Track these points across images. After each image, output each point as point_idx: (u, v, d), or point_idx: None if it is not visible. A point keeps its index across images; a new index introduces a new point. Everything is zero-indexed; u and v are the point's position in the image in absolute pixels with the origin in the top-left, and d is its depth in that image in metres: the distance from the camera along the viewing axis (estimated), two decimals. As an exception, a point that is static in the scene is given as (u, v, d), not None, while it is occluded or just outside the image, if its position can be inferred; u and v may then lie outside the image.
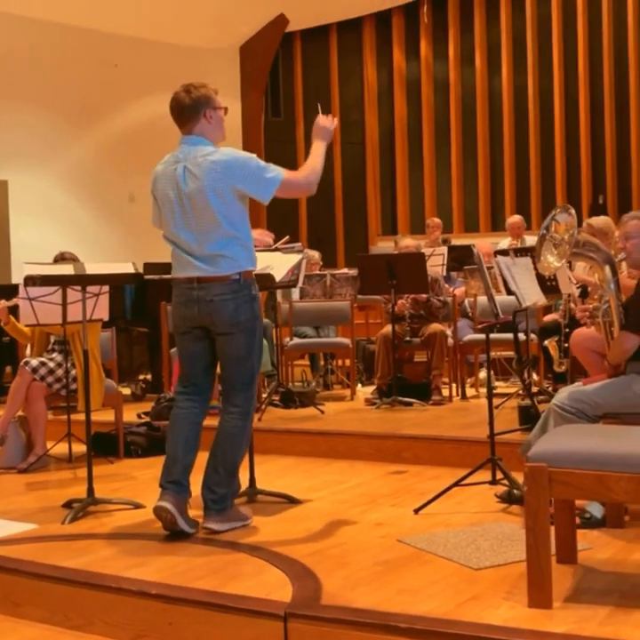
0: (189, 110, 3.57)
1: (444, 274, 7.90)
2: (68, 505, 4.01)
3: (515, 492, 3.82)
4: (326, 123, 3.73)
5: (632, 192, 11.35)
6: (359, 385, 7.55)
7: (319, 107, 3.92)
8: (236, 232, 3.52)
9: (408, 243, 7.13)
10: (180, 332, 3.65)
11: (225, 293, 3.49)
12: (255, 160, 3.54)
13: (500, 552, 3.16)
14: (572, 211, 3.49)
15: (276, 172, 3.53)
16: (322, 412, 6.13)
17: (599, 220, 6.01)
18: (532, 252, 5.26)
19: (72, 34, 10.90)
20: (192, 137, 3.59)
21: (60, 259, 5.23)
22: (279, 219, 12.38)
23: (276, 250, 5.91)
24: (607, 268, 3.55)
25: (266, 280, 4.09)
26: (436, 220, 10.00)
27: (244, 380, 3.61)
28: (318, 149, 3.67)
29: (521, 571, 2.79)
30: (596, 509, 3.44)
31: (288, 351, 7.06)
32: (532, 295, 5.21)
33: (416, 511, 3.78)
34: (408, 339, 6.49)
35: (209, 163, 3.49)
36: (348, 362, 7.52)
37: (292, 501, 4.04)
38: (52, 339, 5.32)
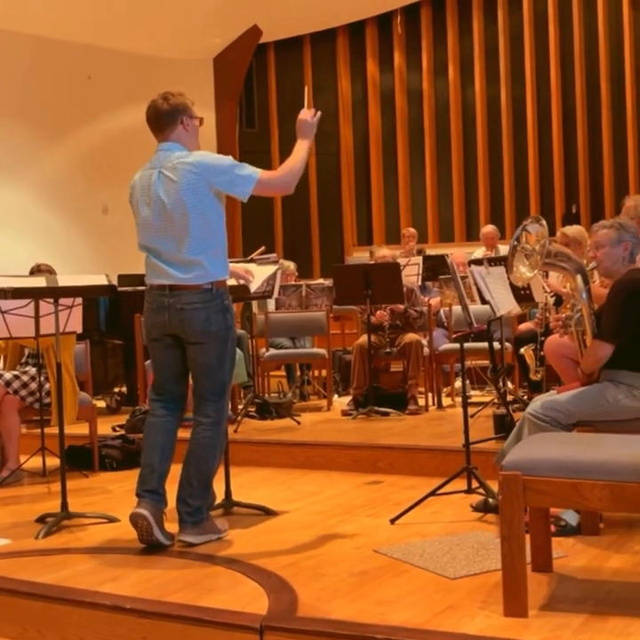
0: (167, 116, 3.58)
1: (420, 284, 7.94)
2: (41, 519, 3.97)
3: (490, 500, 3.83)
4: (307, 116, 3.67)
5: (604, 201, 11.46)
6: (335, 395, 7.54)
7: (305, 91, 3.86)
8: (212, 239, 3.51)
9: (384, 253, 7.16)
10: (152, 339, 3.64)
11: (196, 302, 3.48)
12: (230, 159, 3.55)
13: (475, 561, 3.16)
14: (543, 221, 3.51)
15: (252, 170, 3.53)
16: (298, 422, 6.13)
17: (573, 229, 6.06)
18: (505, 262, 5.29)
19: (45, 45, 10.85)
20: (168, 143, 3.59)
21: (37, 270, 5.20)
22: (254, 229, 12.39)
23: (251, 261, 5.91)
24: (579, 278, 3.58)
25: (240, 291, 4.08)
26: (412, 229, 10.04)
27: (216, 390, 3.60)
28: (300, 148, 3.62)
29: (497, 579, 2.80)
30: (571, 517, 3.46)
31: (264, 362, 7.04)
32: (506, 304, 5.25)
33: (392, 521, 3.78)
34: (388, 350, 6.50)
35: (185, 164, 3.50)
36: (324, 372, 7.52)
37: (269, 513, 4.03)
38: (27, 351, 5.27)
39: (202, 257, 3.48)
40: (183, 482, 3.56)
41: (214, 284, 3.51)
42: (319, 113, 3.70)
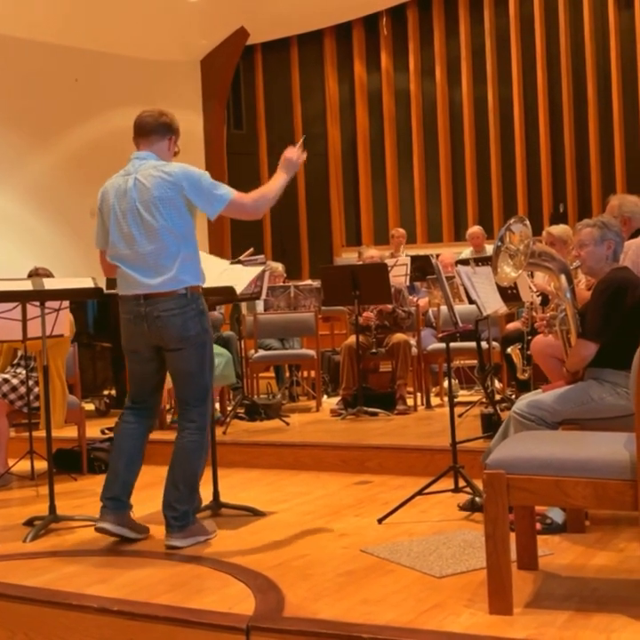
0: (159, 127, 3.63)
1: (408, 284, 7.96)
2: (29, 523, 3.97)
3: (477, 499, 3.84)
4: (293, 155, 3.73)
5: (592, 201, 11.51)
6: (325, 396, 7.55)
7: (302, 140, 3.95)
8: (184, 246, 3.53)
9: (372, 253, 7.18)
10: (130, 351, 3.66)
11: (172, 308, 3.49)
12: (207, 176, 3.57)
13: (462, 560, 3.18)
14: (527, 221, 3.53)
15: (227, 190, 3.55)
16: (287, 423, 6.13)
17: (559, 229, 6.08)
18: (491, 262, 5.31)
19: (31, 48, 10.83)
20: (145, 153, 3.62)
21: (35, 274, 5.24)
22: (243, 231, 12.38)
23: (239, 262, 5.91)
24: (563, 277, 3.59)
25: (227, 293, 4.09)
26: (401, 230, 10.06)
27: (198, 395, 3.61)
28: (277, 180, 3.67)
29: (483, 578, 2.81)
30: (556, 515, 3.48)
31: (253, 363, 7.05)
32: (493, 303, 5.28)
33: (380, 521, 3.79)
34: (374, 350, 6.52)
35: (160, 173, 3.52)
36: (313, 373, 7.53)
37: (256, 514, 4.04)
38: (19, 353, 5.27)
39: (174, 264, 3.50)
40: (169, 486, 3.58)
41: (189, 289, 3.53)
42: (305, 154, 3.77)
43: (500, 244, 3.57)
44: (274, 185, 3.64)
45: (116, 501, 3.57)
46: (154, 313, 3.50)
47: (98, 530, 3.55)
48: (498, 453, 2.75)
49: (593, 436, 2.98)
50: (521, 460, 2.66)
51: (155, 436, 3.98)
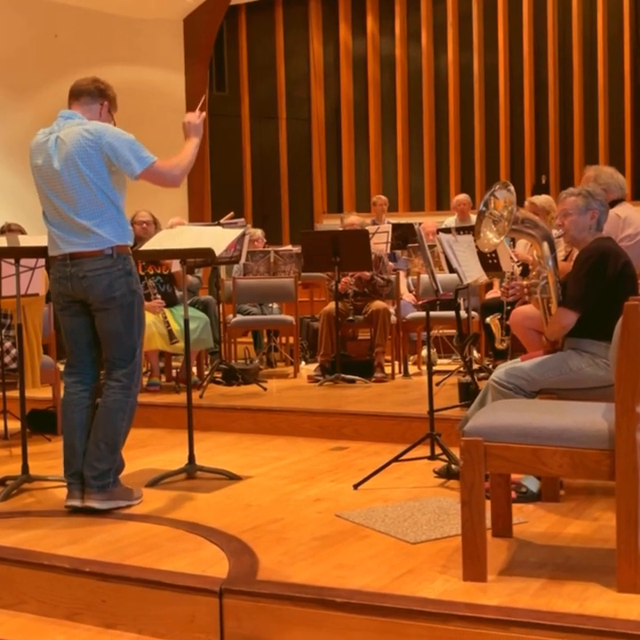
0: (92, 91, 3.64)
1: (388, 252, 7.92)
2: (1, 482, 3.93)
3: (453, 467, 3.85)
4: (193, 118, 3.74)
5: (574, 172, 11.47)
6: (302, 362, 7.53)
7: (203, 98, 4.12)
8: (108, 204, 3.50)
9: (353, 220, 7.11)
10: (59, 309, 3.64)
11: (97, 269, 3.48)
12: (130, 137, 3.53)
13: (436, 526, 3.18)
14: (511, 187, 3.50)
15: (149, 154, 3.53)
16: (264, 389, 6.11)
17: (541, 199, 6.07)
18: (473, 230, 5.29)
19: (9, 3, 10.59)
20: (70, 112, 3.61)
21: (8, 230, 5.13)
22: (224, 195, 12.27)
23: (219, 225, 5.85)
24: (545, 245, 3.57)
25: (206, 254, 4.03)
26: (382, 197, 9.98)
27: (124, 356, 3.59)
28: (188, 146, 3.68)
29: (457, 544, 2.81)
30: (531, 484, 3.49)
31: (231, 328, 7.01)
32: (474, 272, 5.25)
33: (355, 486, 3.79)
34: (351, 317, 6.49)
35: (81, 130, 3.50)
36: (291, 339, 7.50)
37: (232, 478, 4.02)
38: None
39: (96, 222, 3.47)
40: (91, 446, 3.55)
41: (115, 249, 3.50)
42: (203, 114, 3.78)
43: (483, 209, 3.54)
44: (186, 152, 3.66)
45: (81, 476, 3.54)
46: (79, 273, 3.48)
47: (68, 508, 3.52)
48: (476, 421, 2.74)
49: (571, 406, 2.98)
50: (499, 428, 2.64)
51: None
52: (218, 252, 3.97)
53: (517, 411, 2.87)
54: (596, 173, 4.34)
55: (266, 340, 7.81)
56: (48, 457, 4.56)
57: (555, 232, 3.76)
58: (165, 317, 6.04)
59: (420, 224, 6.98)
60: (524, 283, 3.73)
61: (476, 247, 5.22)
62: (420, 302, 7.17)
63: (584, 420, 2.63)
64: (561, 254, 4.42)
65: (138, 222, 6.22)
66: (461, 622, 2.35)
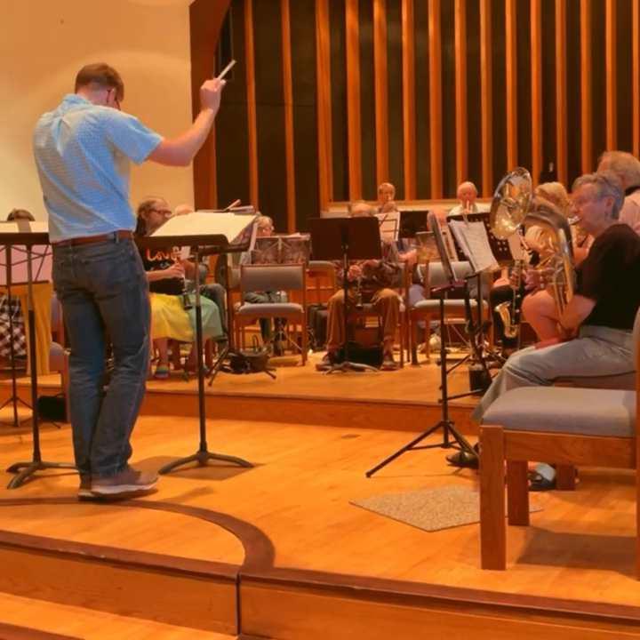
0: (100, 77, 3.58)
1: (397, 239, 7.88)
2: (13, 469, 3.92)
3: (466, 454, 3.83)
4: (210, 86, 3.62)
5: (582, 160, 11.43)
6: (310, 350, 7.52)
7: (231, 64, 3.87)
8: (110, 190, 3.45)
9: (361, 208, 7.07)
10: (62, 297, 3.60)
11: (100, 254, 3.43)
12: (135, 120, 3.47)
13: (452, 514, 3.16)
14: (527, 173, 3.47)
15: (154, 135, 3.45)
16: (273, 377, 6.09)
17: (551, 186, 6.03)
18: (486, 219, 5.25)
19: (16, -13, 10.54)
20: (76, 96, 3.56)
21: (16, 216, 5.09)
22: (230, 183, 12.23)
23: (227, 211, 5.82)
24: (561, 232, 3.54)
25: (218, 241, 4.01)
26: (389, 185, 9.94)
27: (133, 342, 3.55)
28: (201, 118, 3.57)
29: (473, 532, 2.80)
30: (546, 472, 3.47)
31: (239, 316, 6.99)
32: (485, 260, 5.21)
33: (368, 474, 3.78)
34: (359, 305, 6.47)
35: (85, 114, 3.44)
36: (299, 327, 7.47)
37: (244, 465, 4.01)
38: (3, 298, 5.18)
39: (98, 207, 3.42)
40: (98, 431, 3.53)
41: (117, 234, 3.45)
42: (223, 81, 3.66)
43: (499, 196, 3.50)
44: (199, 125, 3.55)
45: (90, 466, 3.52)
46: (82, 259, 3.43)
47: (82, 499, 3.49)
48: (495, 408, 2.72)
49: (591, 394, 2.95)
50: (519, 416, 2.62)
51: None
52: (231, 239, 3.94)
53: (537, 398, 2.85)
54: (614, 160, 4.30)
55: (274, 328, 7.79)
56: (59, 444, 4.54)
57: (572, 219, 3.73)
58: (186, 294, 6.01)
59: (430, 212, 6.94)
60: (540, 271, 3.70)
61: (489, 235, 5.20)
62: (433, 289, 7.12)
63: (605, 408, 2.61)
64: (574, 241, 4.39)
65: (159, 211, 6.07)
66: (482, 610, 2.33)
